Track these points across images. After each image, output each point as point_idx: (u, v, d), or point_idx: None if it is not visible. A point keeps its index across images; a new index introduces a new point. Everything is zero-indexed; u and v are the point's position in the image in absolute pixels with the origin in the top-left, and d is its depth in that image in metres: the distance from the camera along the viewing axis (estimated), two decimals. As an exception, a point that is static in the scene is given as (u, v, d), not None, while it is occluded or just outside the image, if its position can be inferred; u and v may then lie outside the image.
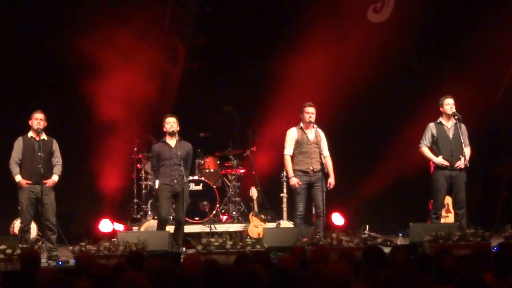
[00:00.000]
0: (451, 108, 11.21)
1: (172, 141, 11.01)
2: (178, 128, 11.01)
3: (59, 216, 11.02)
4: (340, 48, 13.23)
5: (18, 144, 10.64)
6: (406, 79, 13.76)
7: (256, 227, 12.11)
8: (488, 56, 13.63)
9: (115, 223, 12.70)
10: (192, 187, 12.52)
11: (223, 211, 13.09)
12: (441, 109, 11.28)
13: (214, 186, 12.80)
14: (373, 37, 13.47)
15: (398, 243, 11.32)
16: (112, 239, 10.50)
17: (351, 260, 7.12)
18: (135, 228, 12.30)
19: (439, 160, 11.18)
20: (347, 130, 13.58)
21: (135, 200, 12.98)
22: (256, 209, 12.45)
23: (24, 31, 12.84)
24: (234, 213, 12.98)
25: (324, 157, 11.20)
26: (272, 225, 12.25)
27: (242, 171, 13.31)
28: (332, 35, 13.26)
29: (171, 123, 10.98)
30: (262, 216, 12.47)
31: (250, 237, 10.95)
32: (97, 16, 12.82)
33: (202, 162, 13.09)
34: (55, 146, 10.79)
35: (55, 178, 10.69)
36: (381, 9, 13.85)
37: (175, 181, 10.91)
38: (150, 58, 13.10)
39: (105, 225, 12.72)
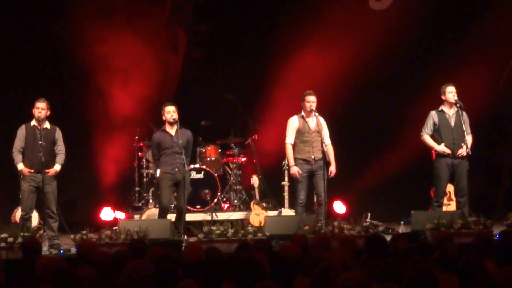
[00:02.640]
0: (453, 96, 11.19)
1: (172, 130, 10.99)
2: (177, 117, 10.97)
3: (60, 204, 11.03)
4: (342, 36, 13.19)
5: (21, 132, 10.62)
6: (408, 66, 13.72)
7: (258, 215, 12.11)
8: (490, 45, 13.58)
9: (116, 212, 12.70)
10: (194, 175, 12.52)
11: (224, 199, 13.09)
12: (442, 97, 11.26)
13: (216, 175, 12.79)
14: (375, 24, 13.41)
15: (400, 231, 11.31)
16: (114, 228, 10.51)
17: (353, 248, 7.13)
18: (136, 217, 12.30)
19: (441, 148, 11.17)
20: (348, 118, 13.55)
21: (137, 189, 12.98)
22: (257, 197, 12.44)
23: (27, 19, 12.82)
24: (235, 201, 12.98)
25: (326, 145, 11.19)
26: (273, 213, 12.24)
27: (243, 159, 13.30)
28: (334, 23, 13.21)
29: (171, 112, 10.94)
30: (264, 204, 12.47)
31: (252, 225, 10.93)
32: (98, 4, 12.79)
33: (204, 150, 13.08)
34: (58, 134, 10.76)
35: (57, 167, 10.66)
36: (383, -4, 13.80)
37: (176, 169, 10.90)
38: (151, 46, 13.08)
39: (107, 214, 12.73)
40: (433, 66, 13.60)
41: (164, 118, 11.02)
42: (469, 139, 11.20)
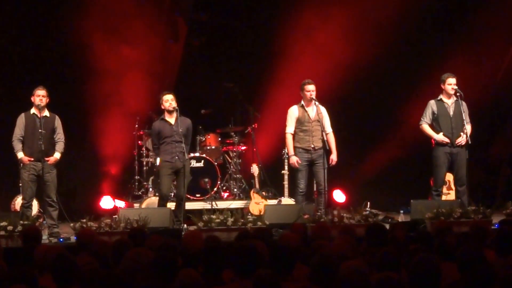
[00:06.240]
0: (453, 88, 11.17)
1: (171, 118, 10.97)
2: (176, 105, 10.95)
3: (60, 192, 11.03)
4: (342, 23, 13.16)
5: (21, 121, 10.61)
6: (408, 55, 13.70)
7: (258, 204, 12.10)
8: (491, 33, 13.57)
9: (116, 200, 12.71)
10: (194, 164, 12.51)
11: (224, 188, 13.09)
12: (442, 86, 11.25)
13: (215, 163, 12.79)
14: (375, 12, 13.38)
15: (399, 220, 11.32)
16: (113, 216, 10.52)
17: (353, 237, 7.14)
18: (136, 205, 12.32)
19: (440, 137, 11.18)
20: (348, 107, 13.54)
21: (136, 177, 12.98)
22: (257, 186, 12.43)
23: (25, 8, 12.80)
24: (235, 190, 12.98)
25: (326, 134, 11.18)
26: (273, 202, 12.23)
27: (243, 148, 13.29)
28: (334, 10, 13.18)
29: (169, 101, 10.92)
30: (264, 193, 12.45)
31: (251, 214, 10.96)
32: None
33: (203, 139, 13.07)
34: (58, 122, 10.74)
35: (57, 155, 10.65)
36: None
37: (176, 157, 10.90)
38: (151, 35, 13.06)
39: (106, 202, 12.74)
40: (433, 55, 13.58)
41: (162, 106, 11.01)
42: (468, 128, 11.20)
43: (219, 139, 13.25)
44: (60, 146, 10.72)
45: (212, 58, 13.92)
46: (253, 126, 12.98)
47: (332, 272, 5.23)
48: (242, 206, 12.38)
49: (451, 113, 11.23)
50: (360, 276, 5.00)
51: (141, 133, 13.00)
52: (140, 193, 12.88)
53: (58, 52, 12.96)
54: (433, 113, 11.27)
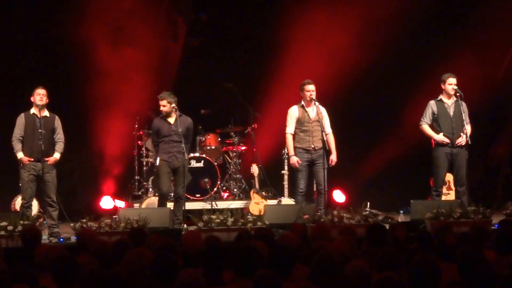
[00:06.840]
0: (453, 89, 11.17)
1: (171, 118, 10.98)
2: (172, 106, 10.92)
3: (60, 192, 11.03)
4: (343, 24, 13.16)
5: (20, 120, 10.61)
6: (407, 55, 13.70)
7: (257, 204, 12.10)
8: (491, 33, 13.57)
9: (116, 200, 12.72)
10: (193, 164, 12.52)
11: (224, 188, 13.09)
12: (442, 86, 11.25)
13: (215, 163, 12.79)
14: (375, 12, 13.39)
15: (399, 220, 11.32)
16: (113, 216, 10.52)
17: (352, 237, 7.14)
18: (136, 205, 12.32)
19: (440, 137, 11.18)
20: (348, 107, 13.54)
21: (136, 177, 12.98)
22: (257, 186, 12.43)
23: (24, 9, 12.80)
24: (235, 190, 12.98)
25: (326, 134, 11.18)
26: (273, 202, 12.24)
27: (243, 148, 13.29)
28: (334, 11, 13.19)
29: (161, 106, 10.95)
30: (263, 193, 12.46)
31: (251, 214, 10.96)
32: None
33: (203, 139, 13.07)
34: (57, 123, 10.75)
35: (56, 155, 10.66)
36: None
37: (174, 157, 10.91)
38: (151, 35, 13.06)
39: (106, 202, 12.75)
40: (433, 55, 13.58)
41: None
42: (468, 128, 11.20)
43: (219, 139, 13.25)
44: (60, 146, 10.72)
45: (212, 58, 13.92)
46: (253, 126, 12.98)
47: (332, 272, 5.23)
48: (242, 206, 12.38)
49: (451, 113, 11.23)
50: (364, 277, 5.00)
51: (141, 133, 13.01)
52: (140, 193, 12.89)
53: (58, 52, 12.97)
54: (433, 113, 11.27)
